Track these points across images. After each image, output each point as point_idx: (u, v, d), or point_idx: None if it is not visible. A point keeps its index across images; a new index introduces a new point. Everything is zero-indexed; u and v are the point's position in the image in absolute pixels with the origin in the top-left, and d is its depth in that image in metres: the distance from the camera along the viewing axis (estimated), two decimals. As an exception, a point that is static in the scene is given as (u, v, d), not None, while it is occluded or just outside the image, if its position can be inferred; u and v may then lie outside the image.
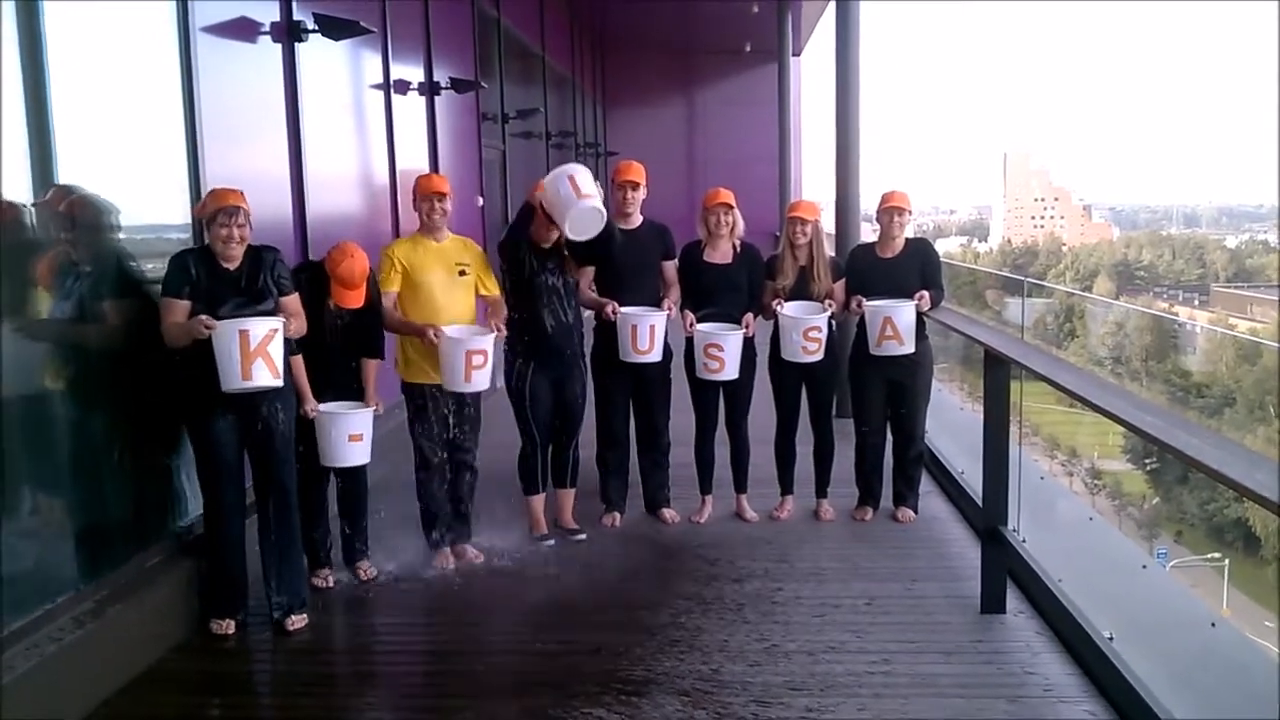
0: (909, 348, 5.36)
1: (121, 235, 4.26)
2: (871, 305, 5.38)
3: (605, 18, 17.21)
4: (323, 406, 4.66)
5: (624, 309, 5.31)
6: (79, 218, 3.99)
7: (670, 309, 5.42)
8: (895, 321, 5.32)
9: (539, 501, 5.48)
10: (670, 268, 5.57)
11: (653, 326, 5.31)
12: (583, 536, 5.47)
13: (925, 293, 5.40)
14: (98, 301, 4.04)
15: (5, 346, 3.47)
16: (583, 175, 4.89)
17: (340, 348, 4.78)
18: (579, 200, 4.78)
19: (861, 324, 5.52)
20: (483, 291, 5.09)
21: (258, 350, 4.01)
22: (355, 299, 4.62)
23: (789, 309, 5.47)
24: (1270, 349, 37.10)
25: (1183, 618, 6.88)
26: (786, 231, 5.57)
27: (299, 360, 4.50)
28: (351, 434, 4.68)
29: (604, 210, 4.87)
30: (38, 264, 3.78)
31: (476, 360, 4.81)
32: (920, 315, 5.42)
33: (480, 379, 4.86)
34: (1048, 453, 36.74)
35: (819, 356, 5.46)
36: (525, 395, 5.23)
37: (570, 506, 5.59)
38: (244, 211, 4.14)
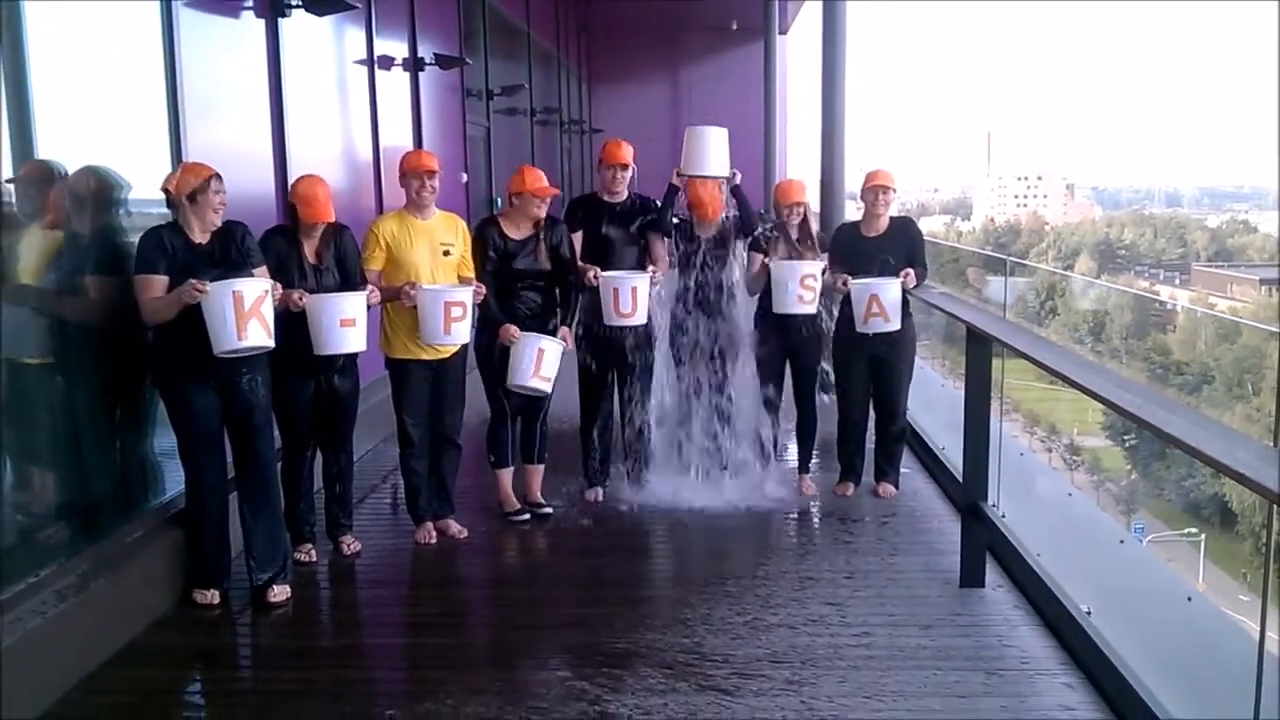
0: (895, 325, 5.39)
1: (126, 212, 4.27)
2: (857, 283, 5.40)
3: (591, -7, 17.11)
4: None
5: (605, 273, 5.32)
6: (86, 190, 3.99)
7: (654, 273, 5.41)
8: (881, 299, 5.34)
9: (508, 475, 5.49)
10: (657, 242, 5.57)
11: (634, 289, 5.27)
12: (549, 510, 5.49)
13: (911, 270, 5.43)
14: (88, 274, 4.02)
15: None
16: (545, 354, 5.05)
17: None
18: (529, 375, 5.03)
19: (846, 301, 5.54)
20: (465, 272, 5.04)
21: (252, 310, 3.99)
22: (324, 212, 4.55)
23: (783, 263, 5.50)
24: (1249, 328, 37.36)
25: (1159, 592, 6.93)
26: (783, 216, 5.59)
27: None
28: (343, 318, 4.47)
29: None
30: (30, 234, 3.76)
31: (455, 312, 4.77)
32: (905, 293, 5.45)
33: (459, 331, 4.82)
34: (1027, 429, 36.99)
35: (813, 308, 5.48)
36: (494, 366, 5.23)
37: (538, 483, 5.58)
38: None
